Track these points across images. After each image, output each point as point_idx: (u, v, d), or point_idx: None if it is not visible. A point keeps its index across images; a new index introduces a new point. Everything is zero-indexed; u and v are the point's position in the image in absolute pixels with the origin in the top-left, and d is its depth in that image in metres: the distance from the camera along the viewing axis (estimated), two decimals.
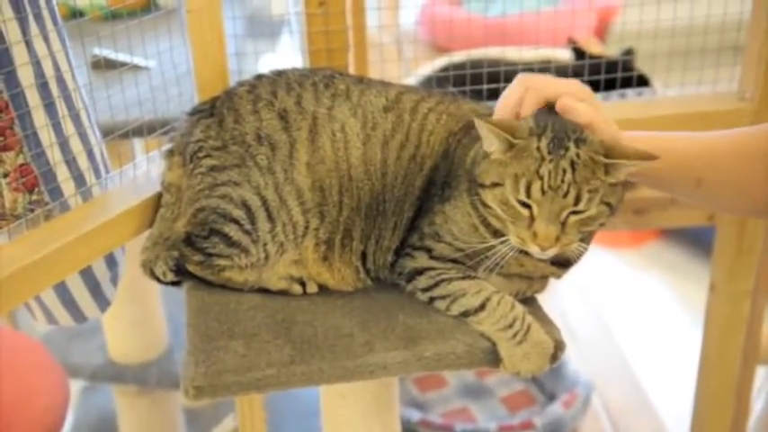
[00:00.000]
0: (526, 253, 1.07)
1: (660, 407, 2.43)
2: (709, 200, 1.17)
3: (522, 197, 1.02)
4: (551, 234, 1.01)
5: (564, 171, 1.00)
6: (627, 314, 2.95)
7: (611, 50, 2.16)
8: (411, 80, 1.80)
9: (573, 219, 1.02)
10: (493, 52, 1.82)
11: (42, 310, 1.37)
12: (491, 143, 1.04)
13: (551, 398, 2.23)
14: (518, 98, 1.07)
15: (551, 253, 1.04)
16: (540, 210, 1.02)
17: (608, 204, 1.04)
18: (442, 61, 1.79)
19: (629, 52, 1.80)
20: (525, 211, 1.03)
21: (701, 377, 1.75)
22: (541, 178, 1.01)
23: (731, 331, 1.70)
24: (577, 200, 1.01)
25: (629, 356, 2.69)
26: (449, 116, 1.18)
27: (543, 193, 1.01)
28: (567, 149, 1.01)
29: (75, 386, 2.24)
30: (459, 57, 1.81)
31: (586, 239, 1.09)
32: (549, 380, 2.28)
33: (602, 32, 2.76)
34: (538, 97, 1.07)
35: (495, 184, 1.04)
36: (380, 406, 1.25)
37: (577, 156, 1.01)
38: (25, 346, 1.74)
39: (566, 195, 1.00)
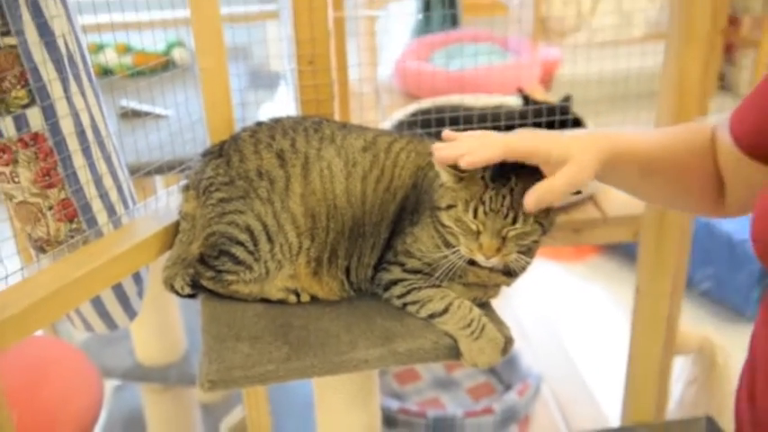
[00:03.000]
0: (479, 265, 1.06)
1: (598, 394, 2.42)
2: (650, 191, 1.16)
3: (470, 218, 1.03)
4: (493, 246, 1.02)
5: (503, 197, 1.01)
6: (572, 317, 2.94)
7: (555, 96, 2.14)
8: (387, 123, 1.79)
9: (511, 234, 1.03)
10: (453, 99, 1.82)
11: (81, 319, 1.37)
12: (444, 176, 1.05)
13: (508, 387, 2.22)
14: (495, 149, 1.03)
15: (494, 262, 1.04)
16: (485, 227, 1.02)
17: (540, 224, 1.04)
18: (411, 107, 1.78)
19: (566, 99, 1.78)
20: (474, 227, 1.03)
21: (630, 367, 1.75)
22: (484, 203, 1.01)
23: (653, 328, 1.70)
24: (514, 220, 1.02)
25: (573, 353, 2.68)
26: (417, 154, 1.18)
27: (486, 214, 1.02)
28: (508, 180, 1.02)
29: (109, 385, 2.23)
30: (426, 103, 1.81)
31: (528, 253, 1.09)
32: (505, 373, 2.28)
33: (547, 82, 2.75)
34: (504, 150, 1.01)
35: (450, 206, 1.04)
36: (364, 395, 1.25)
37: (515, 185, 1.01)
38: (65, 351, 1.74)
39: (505, 216, 1.01)
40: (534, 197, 0.96)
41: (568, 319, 2.94)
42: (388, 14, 2.51)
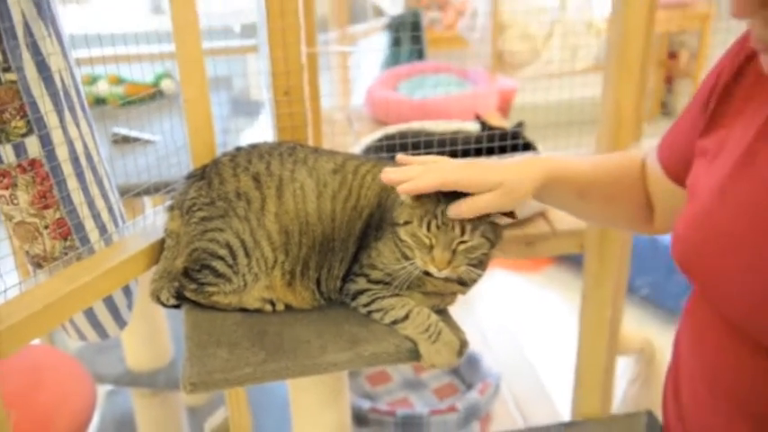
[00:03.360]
0: (435, 276, 1.07)
1: (552, 392, 2.44)
2: (587, 211, 1.16)
3: (424, 231, 1.03)
4: (444, 259, 1.03)
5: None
6: (529, 322, 2.95)
7: (512, 122, 2.12)
8: (356, 147, 1.79)
9: (461, 247, 1.03)
10: (416, 125, 1.83)
11: (74, 329, 1.36)
12: (403, 195, 1.04)
13: (470, 387, 2.22)
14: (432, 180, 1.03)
15: (446, 273, 1.05)
16: (437, 241, 1.03)
17: (488, 238, 1.05)
18: (378, 133, 1.78)
19: (519, 125, 1.78)
20: (427, 241, 1.04)
21: (578, 367, 1.75)
22: (437, 217, 1.02)
23: (598, 331, 1.70)
24: (462, 232, 1.02)
25: (530, 355, 2.69)
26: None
27: (438, 228, 1.02)
28: (458, 196, 1.01)
29: (101, 390, 2.21)
30: (391, 129, 1.80)
31: (480, 266, 1.10)
32: (468, 374, 2.28)
33: (505, 109, 2.74)
34: (441, 181, 1.01)
35: (407, 222, 1.05)
36: (334, 395, 1.25)
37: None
38: (61, 359, 1.74)
39: (454, 229, 1.02)
40: (456, 209, 1.00)
41: (526, 324, 2.95)
42: (360, 50, 2.49)
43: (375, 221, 1.15)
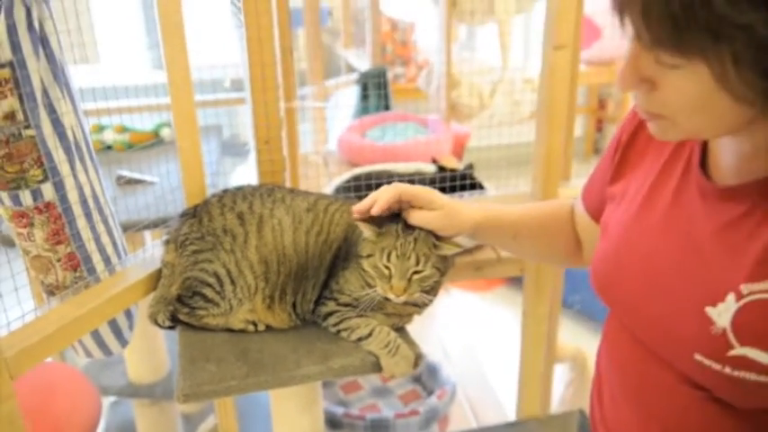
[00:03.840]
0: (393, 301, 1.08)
1: (501, 396, 2.43)
2: (522, 250, 1.14)
3: (384, 262, 1.03)
4: (402, 286, 1.03)
5: (410, 243, 1.03)
6: (483, 336, 2.93)
7: (465, 163, 2.11)
8: (328, 188, 1.78)
9: (415, 277, 1.03)
10: (381, 167, 1.84)
11: (83, 348, 1.36)
12: (366, 232, 1.06)
13: (430, 393, 2.21)
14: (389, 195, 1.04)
15: (403, 299, 1.05)
16: (395, 271, 1.03)
17: (438, 269, 1.05)
18: (347, 174, 1.78)
19: (469, 167, 1.79)
20: (387, 272, 1.04)
21: (521, 374, 1.76)
22: (396, 248, 1.03)
23: (537, 342, 1.69)
24: (417, 263, 1.03)
25: (483, 365, 2.67)
26: (348, 213, 1.17)
27: (397, 258, 1.03)
28: (413, 231, 1.03)
29: (106, 401, 2.16)
30: (359, 170, 1.80)
31: (432, 292, 1.10)
32: (428, 382, 2.27)
33: (459, 152, 2.72)
34: (396, 195, 1.03)
35: (369, 255, 1.06)
36: (309, 402, 1.25)
37: (418, 236, 1.03)
38: (70, 374, 1.71)
39: (409, 260, 1.03)
40: (407, 214, 1.03)
41: (479, 337, 2.93)
42: (332, 105, 2.47)
43: (342, 253, 1.15)
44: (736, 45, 0.60)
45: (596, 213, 1.00)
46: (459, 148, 2.60)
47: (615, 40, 3.03)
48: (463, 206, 1.04)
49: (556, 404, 2.04)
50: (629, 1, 0.64)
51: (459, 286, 3.29)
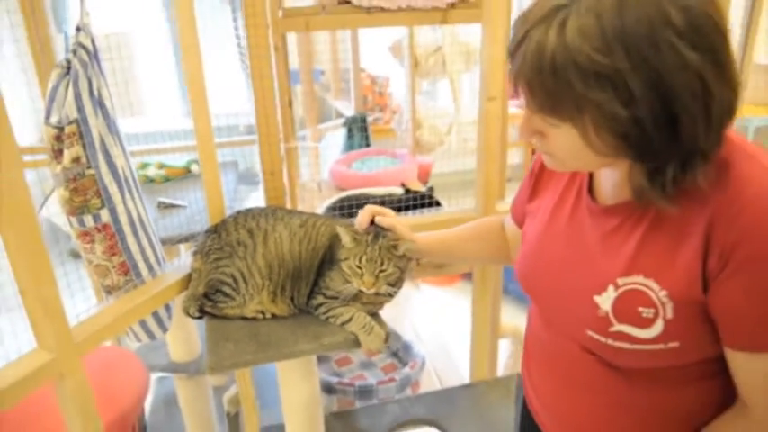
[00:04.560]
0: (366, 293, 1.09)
1: (461, 366, 2.40)
2: (465, 257, 1.12)
3: (357, 263, 1.05)
4: (371, 281, 1.05)
5: (376, 251, 1.04)
6: (446, 320, 2.90)
7: (428, 186, 2.14)
8: (322, 206, 1.75)
9: (381, 274, 1.05)
10: (362, 190, 1.84)
11: (133, 334, 1.34)
12: (345, 239, 1.07)
13: (405, 364, 2.23)
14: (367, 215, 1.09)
15: (373, 290, 1.06)
16: (366, 270, 1.05)
17: (399, 268, 1.07)
18: (335, 197, 1.77)
19: (430, 189, 1.82)
20: (359, 271, 1.06)
21: (472, 346, 1.73)
22: (366, 254, 1.04)
23: (484, 321, 1.67)
24: (382, 264, 1.05)
25: (447, 342, 2.65)
26: (331, 228, 1.16)
27: (367, 261, 1.05)
28: (378, 240, 1.05)
29: (153, 376, 2.14)
30: (345, 194, 1.80)
31: (396, 285, 1.10)
32: (404, 356, 2.28)
33: (424, 178, 2.64)
34: (371, 213, 1.09)
35: (347, 258, 1.07)
36: (307, 372, 1.25)
37: (383, 243, 1.05)
38: (125, 355, 1.71)
39: (376, 262, 1.05)
40: (382, 221, 1.06)
41: (444, 321, 2.91)
42: (327, 143, 2.45)
43: (327, 258, 1.15)
44: (594, 115, 0.63)
45: (521, 224, 1.00)
46: (424, 175, 2.53)
47: None
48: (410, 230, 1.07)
49: (501, 370, 2.04)
50: (518, 78, 0.66)
51: (427, 282, 3.26)
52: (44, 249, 0.93)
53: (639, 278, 0.69)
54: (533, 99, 0.65)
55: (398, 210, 1.67)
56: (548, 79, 0.61)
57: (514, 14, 1.58)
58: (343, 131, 2.55)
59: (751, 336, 0.66)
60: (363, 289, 1.07)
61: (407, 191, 1.83)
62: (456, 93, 2.46)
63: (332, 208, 1.72)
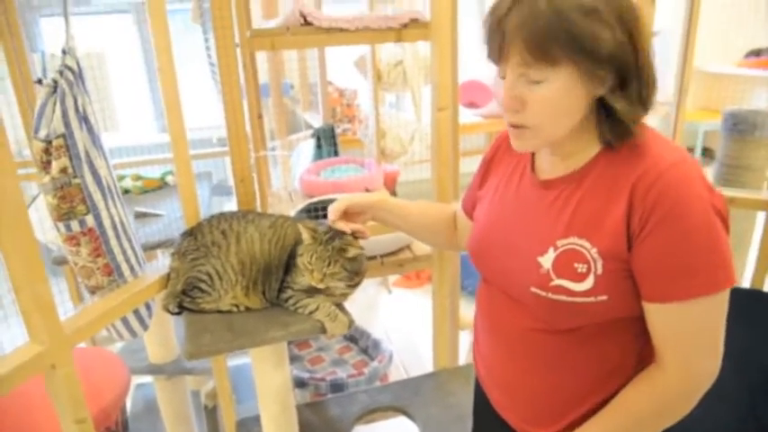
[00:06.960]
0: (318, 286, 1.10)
1: (425, 358, 2.44)
2: (415, 234, 1.13)
3: (308, 260, 1.08)
4: (318, 278, 1.09)
5: (327, 250, 1.07)
6: (413, 319, 2.92)
7: (391, 191, 2.17)
8: (293, 211, 1.76)
9: (328, 272, 1.09)
10: (329, 196, 1.85)
11: (115, 331, 1.34)
12: (305, 236, 1.10)
13: (373, 359, 2.29)
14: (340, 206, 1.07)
15: (321, 285, 1.10)
16: (314, 267, 1.08)
17: (345, 269, 1.09)
18: (305, 203, 1.79)
19: (393, 194, 1.86)
20: (310, 267, 1.09)
21: (434, 339, 1.76)
22: (317, 252, 1.07)
23: (444, 315, 1.71)
24: (329, 264, 1.08)
25: (414, 338, 2.71)
26: (296, 229, 1.20)
27: (317, 259, 1.08)
28: (333, 240, 1.08)
29: (133, 383, 2.13)
30: (314, 200, 1.82)
31: (352, 282, 1.13)
32: (373, 352, 2.33)
33: (391, 184, 2.66)
34: (345, 205, 1.07)
35: (302, 255, 1.10)
36: (279, 362, 1.26)
37: (336, 244, 1.08)
38: (106, 355, 1.72)
39: (323, 261, 1.08)
40: (337, 223, 1.06)
41: (411, 319, 2.94)
42: (297, 153, 2.46)
43: (293, 255, 1.19)
44: (587, 45, 0.68)
45: (470, 213, 1.04)
46: (391, 182, 2.52)
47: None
48: (369, 197, 1.10)
49: (462, 359, 2.08)
50: (515, 34, 0.70)
51: (399, 285, 3.29)
52: (37, 250, 0.96)
53: (574, 239, 0.76)
54: (531, 49, 0.69)
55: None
56: (552, 21, 0.67)
57: (460, 34, 1.66)
58: (311, 142, 2.56)
59: (663, 288, 0.72)
60: (313, 283, 1.10)
61: None
62: (418, 104, 2.52)
63: (301, 211, 1.77)
